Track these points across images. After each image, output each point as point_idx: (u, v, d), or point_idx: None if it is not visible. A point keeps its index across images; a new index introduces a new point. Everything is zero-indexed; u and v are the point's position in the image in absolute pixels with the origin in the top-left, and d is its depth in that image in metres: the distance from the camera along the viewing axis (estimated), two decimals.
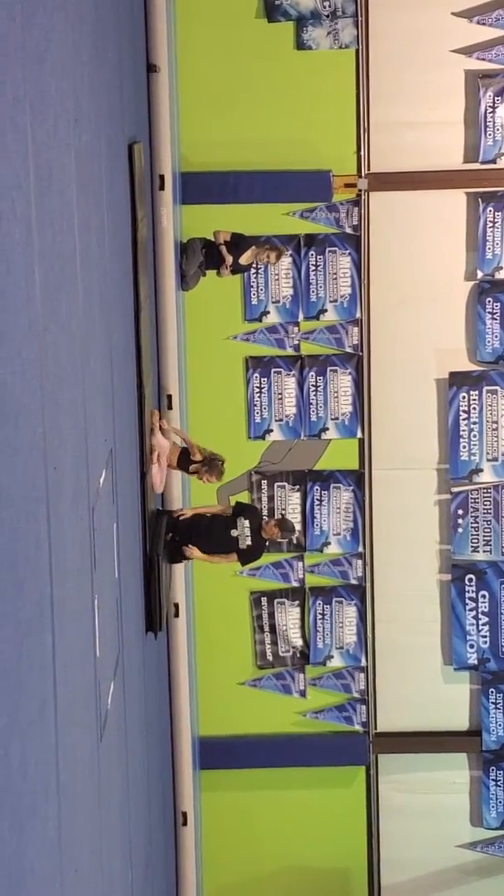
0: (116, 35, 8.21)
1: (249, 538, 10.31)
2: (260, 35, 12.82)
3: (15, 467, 4.06)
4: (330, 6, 12.77)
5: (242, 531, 10.30)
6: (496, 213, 12.98)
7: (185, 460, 10.63)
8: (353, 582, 13.39)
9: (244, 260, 11.97)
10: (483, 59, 12.88)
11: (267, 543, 10.79)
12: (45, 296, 4.74)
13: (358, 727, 13.49)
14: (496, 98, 12.84)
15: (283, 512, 13.24)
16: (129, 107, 8.99)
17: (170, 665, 11.53)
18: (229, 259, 11.87)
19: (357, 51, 12.82)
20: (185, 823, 11.99)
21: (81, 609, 5.66)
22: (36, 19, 4.70)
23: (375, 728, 13.53)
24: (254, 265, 12.32)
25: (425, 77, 12.87)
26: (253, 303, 13.20)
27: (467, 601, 13.29)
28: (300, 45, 12.86)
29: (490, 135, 12.90)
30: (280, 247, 12.37)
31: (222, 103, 12.81)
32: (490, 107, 12.86)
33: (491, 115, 12.87)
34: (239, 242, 11.98)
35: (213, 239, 11.97)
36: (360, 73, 12.84)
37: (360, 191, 12.99)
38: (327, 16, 12.78)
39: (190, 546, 10.22)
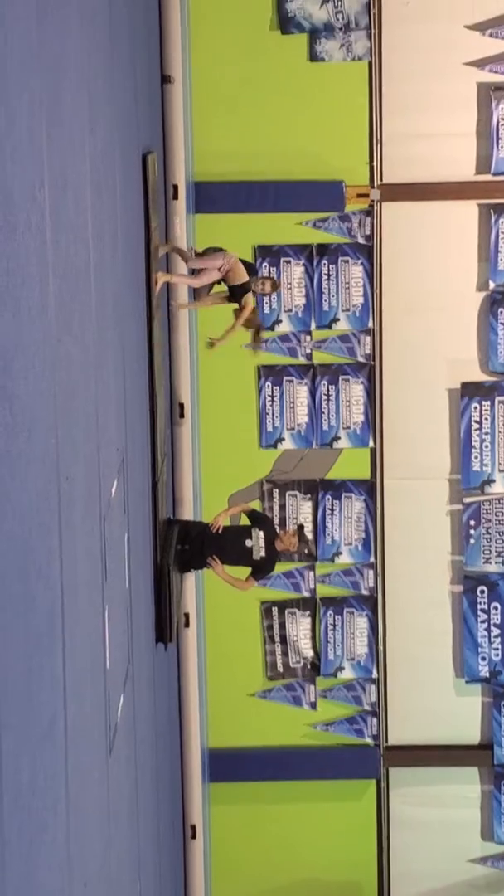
0: (132, 46, 8.20)
1: (263, 549, 10.24)
2: (273, 47, 12.83)
3: (27, 479, 4.04)
4: (343, 18, 12.76)
5: (257, 542, 10.24)
6: None
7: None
8: (365, 592, 13.36)
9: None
10: (496, 72, 12.87)
11: (280, 556, 10.72)
12: (59, 307, 4.73)
13: (369, 740, 13.44)
14: None
15: (297, 520, 13.21)
16: (143, 117, 8.99)
17: (180, 676, 11.50)
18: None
19: (370, 63, 12.81)
20: (193, 836, 11.96)
21: (92, 621, 5.63)
22: (52, 31, 4.69)
23: (386, 741, 13.49)
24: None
25: (438, 89, 12.86)
26: (265, 311, 13.18)
27: (479, 613, 13.24)
28: (313, 56, 12.86)
29: (503, 147, 12.87)
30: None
31: (236, 114, 12.81)
32: (503, 119, 12.84)
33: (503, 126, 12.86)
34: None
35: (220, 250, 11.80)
36: (373, 84, 12.84)
37: (373, 201, 12.98)
38: (340, 28, 12.78)
39: (214, 558, 10.13)
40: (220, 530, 10.29)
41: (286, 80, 12.86)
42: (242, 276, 10.29)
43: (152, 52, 10.12)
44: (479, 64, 12.88)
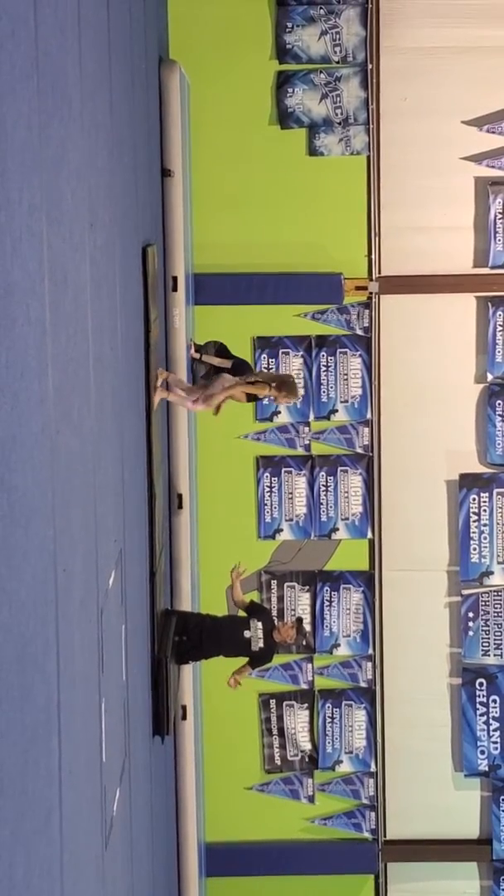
0: (132, 140, 8.32)
1: (262, 641, 10.22)
2: (273, 141, 13.01)
3: (24, 571, 4.04)
4: (342, 114, 12.97)
5: (255, 633, 10.22)
6: None
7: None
8: (363, 685, 13.27)
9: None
10: (493, 167, 13.05)
11: (278, 647, 10.69)
12: (58, 399, 4.75)
13: (367, 834, 13.28)
14: None
15: (294, 612, 13.16)
16: (143, 210, 9.09)
17: (177, 769, 11.38)
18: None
19: (368, 157, 12.99)
20: None
21: (88, 713, 5.59)
22: (52, 129, 4.76)
23: (385, 835, 13.33)
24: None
25: (435, 183, 13.02)
26: (263, 402, 13.23)
27: (478, 706, 13.14)
28: (312, 151, 13.04)
29: (500, 240, 13.02)
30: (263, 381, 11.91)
31: (235, 207, 12.96)
32: (500, 213, 13.00)
33: (501, 221, 13.01)
34: (238, 368, 11.71)
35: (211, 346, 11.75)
36: (371, 178, 13.01)
37: (371, 293, 13.09)
38: (339, 123, 12.98)
39: (247, 668, 10.25)
40: (218, 624, 10.32)
41: (285, 174, 13.03)
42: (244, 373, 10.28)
43: (152, 145, 10.26)
44: (476, 159, 13.07)
